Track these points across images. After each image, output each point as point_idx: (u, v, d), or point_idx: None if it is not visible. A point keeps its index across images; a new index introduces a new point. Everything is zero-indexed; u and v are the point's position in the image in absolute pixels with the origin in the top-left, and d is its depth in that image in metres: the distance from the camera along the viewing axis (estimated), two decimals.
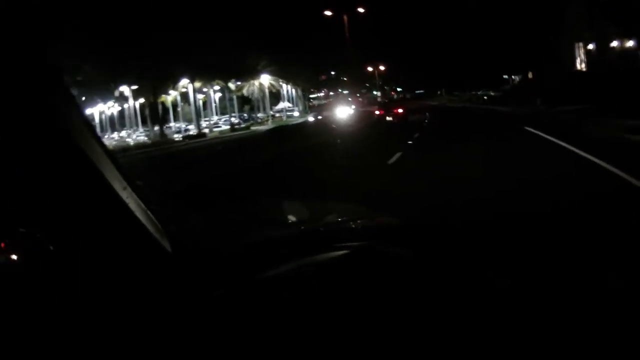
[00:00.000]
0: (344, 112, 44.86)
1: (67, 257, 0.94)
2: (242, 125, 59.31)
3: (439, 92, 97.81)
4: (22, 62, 0.89)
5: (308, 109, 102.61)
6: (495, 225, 1.46)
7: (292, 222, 2.00)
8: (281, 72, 69.65)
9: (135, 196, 1.01)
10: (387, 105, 35.92)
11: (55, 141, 0.91)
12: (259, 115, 74.47)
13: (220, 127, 61.01)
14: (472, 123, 26.15)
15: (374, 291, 0.99)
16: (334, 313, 0.93)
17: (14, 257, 0.91)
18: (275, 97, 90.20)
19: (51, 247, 0.93)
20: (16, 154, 0.89)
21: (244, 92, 64.60)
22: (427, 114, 38.13)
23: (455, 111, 43.16)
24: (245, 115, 70.57)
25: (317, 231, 1.60)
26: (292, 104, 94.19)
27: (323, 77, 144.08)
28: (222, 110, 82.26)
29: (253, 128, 55.80)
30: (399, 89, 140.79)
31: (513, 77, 73.68)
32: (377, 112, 33.54)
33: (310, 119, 47.81)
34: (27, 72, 0.89)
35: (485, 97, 61.57)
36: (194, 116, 59.24)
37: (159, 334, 0.95)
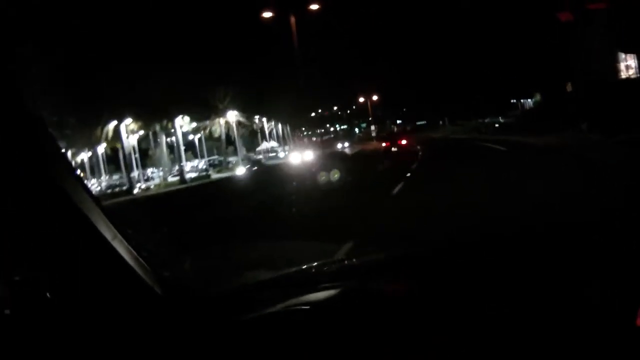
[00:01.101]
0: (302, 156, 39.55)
1: (62, 304, 0.98)
2: (203, 174, 49.35)
3: (441, 123, 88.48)
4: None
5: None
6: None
7: (283, 265, 2.09)
8: (255, 108, 60.91)
9: (126, 244, 1.06)
10: (390, 138, 39.96)
11: (47, 194, 0.94)
12: (230, 159, 65.49)
13: (154, 180, 51.85)
14: (495, 176, 12.89)
15: (361, 330, 1.00)
16: (324, 353, 0.95)
17: (9, 304, 0.95)
18: (262, 136, 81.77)
19: (47, 295, 0.97)
20: (10, 205, 0.93)
21: (206, 132, 55.22)
22: (418, 153, 30.08)
23: (460, 147, 32.64)
24: (216, 159, 61.20)
25: (307, 272, 1.58)
26: (281, 142, 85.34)
27: (325, 113, 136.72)
28: (209, 151, 73.82)
29: (216, 176, 46.47)
30: (398, 121, 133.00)
31: (522, 100, 66.74)
32: (383, 145, 37.59)
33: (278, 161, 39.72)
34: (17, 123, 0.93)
35: (496, 125, 51.49)
36: (135, 163, 49.93)
37: None
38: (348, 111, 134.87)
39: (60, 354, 0.96)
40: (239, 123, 55.57)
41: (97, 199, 1.06)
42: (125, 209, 19.85)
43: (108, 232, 1.02)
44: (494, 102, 62.91)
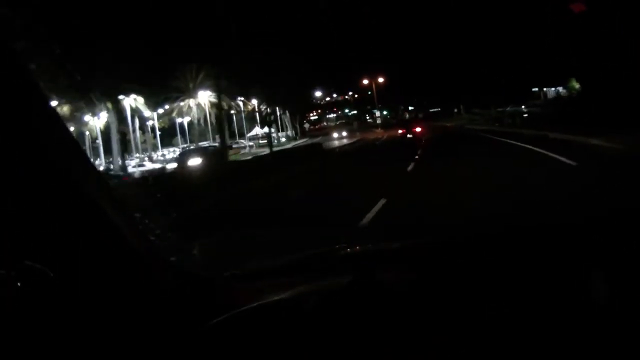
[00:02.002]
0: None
1: (70, 288, 0.98)
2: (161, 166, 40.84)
3: (456, 110, 79.86)
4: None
5: (299, 133, 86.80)
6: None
7: (292, 250, 1.92)
8: (241, 89, 53.00)
9: (135, 229, 1.07)
10: (405, 126, 43.36)
11: (52, 177, 0.94)
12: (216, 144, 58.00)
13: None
14: None
15: (370, 317, 1.02)
16: (333, 340, 0.96)
17: (19, 288, 0.95)
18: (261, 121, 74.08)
19: (55, 280, 0.96)
20: (12, 187, 0.92)
21: (173, 115, 47.29)
22: (418, 151, 22.69)
23: (482, 144, 23.98)
24: (191, 146, 53.34)
25: (315, 258, 1.59)
26: (280, 128, 77.57)
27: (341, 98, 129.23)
28: (201, 136, 66.50)
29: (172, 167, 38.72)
30: (410, 108, 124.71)
31: (545, 89, 63.63)
32: (399, 132, 41.18)
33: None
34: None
35: (524, 115, 41.89)
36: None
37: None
38: (355, 95, 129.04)
39: (66, 341, 0.96)
40: (216, 105, 47.56)
41: (105, 181, 1.06)
42: None
43: (117, 216, 1.01)
44: (514, 89, 56.91)
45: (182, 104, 46.44)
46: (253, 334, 1.04)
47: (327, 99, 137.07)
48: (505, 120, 38.74)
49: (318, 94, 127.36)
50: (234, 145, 60.01)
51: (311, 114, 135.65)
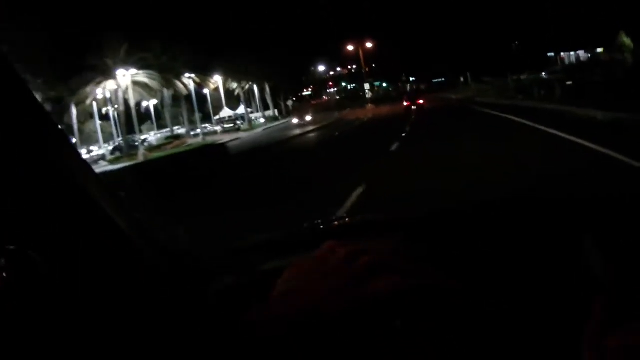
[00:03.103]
0: None
1: (54, 270, 0.91)
2: None
3: (462, 80, 68.74)
4: None
5: (283, 113, 76.26)
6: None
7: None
8: (192, 64, 42.74)
9: (118, 205, 1.03)
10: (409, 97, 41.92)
11: (40, 162, 0.90)
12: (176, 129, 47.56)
13: None
14: None
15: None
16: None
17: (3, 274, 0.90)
18: (237, 99, 63.55)
19: (39, 263, 0.90)
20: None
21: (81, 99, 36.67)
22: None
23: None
24: (136, 138, 42.83)
25: (311, 229, 1.62)
26: (260, 107, 67.04)
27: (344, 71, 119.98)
28: (174, 119, 56.66)
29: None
30: (411, 79, 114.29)
31: (563, 54, 58.06)
32: (404, 103, 39.88)
33: None
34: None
35: (567, 83, 27.43)
36: None
37: (157, 340, 0.96)
38: (352, 68, 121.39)
39: (58, 328, 0.92)
40: (145, 85, 37.01)
41: (88, 164, 1.01)
42: None
43: (98, 192, 0.97)
44: (527, 55, 52.22)
45: (96, 88, 35.71)
46: (243, 308, 0.93)
47: (332, 73, 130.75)
48: (535, 91, 27.24)
49: (321, 68, 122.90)
50: (192, 132, 49.96)
51: (305, 90, 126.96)
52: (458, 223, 1.36)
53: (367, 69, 58.78)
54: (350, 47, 58.64)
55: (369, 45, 59.39)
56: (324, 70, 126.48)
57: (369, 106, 55.86)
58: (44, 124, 0.92)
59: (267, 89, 69.59)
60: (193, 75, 43.59)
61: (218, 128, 54.51)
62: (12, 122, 0.85)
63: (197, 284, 1.13)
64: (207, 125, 58.13)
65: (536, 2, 38.63)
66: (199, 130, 51.26)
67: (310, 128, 35.16)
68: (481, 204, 1.64)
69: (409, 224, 1.47)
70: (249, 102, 68.31)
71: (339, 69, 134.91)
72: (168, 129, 54.32)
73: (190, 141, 41.90)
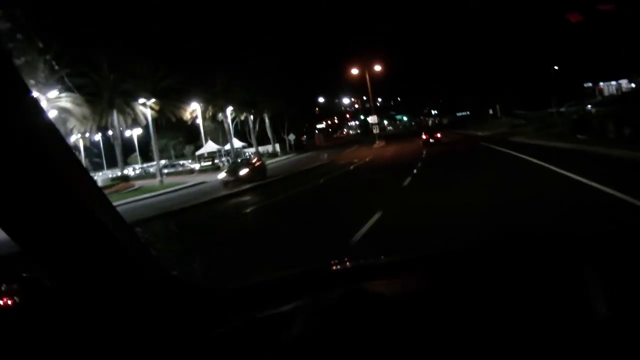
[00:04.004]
0: None
1: (69, 301, 1.00)
2: None
3: (491, 112, 59.07)
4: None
5: (287, 148, 67.62)
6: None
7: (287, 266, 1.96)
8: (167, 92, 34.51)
9: (135, 242, 1.08)
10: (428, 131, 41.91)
11: (53, 188, 0.93)
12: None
13: None
14: None
15: (361, 329, 1.02)
16: (327, 352, 0.97)
17: (16, 300, 0.99)
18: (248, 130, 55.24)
19: (54, 292, 1.00)
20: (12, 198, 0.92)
21: None
22: None
23: None
24: None
25: (312, 272, 1.60)
26: (254, 141, 58.28)
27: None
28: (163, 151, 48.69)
29: None
30: (433, 112, 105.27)
31: (602, 84, 53.41)
32: (423, 137, 38.63)
33: None
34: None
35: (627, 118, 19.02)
36: None
37: None
38: (365, 103, 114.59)
39: (66, 350, 0.99)
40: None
41: (105, 195, 1.06)
42: None
43: (118, 229, 1.02)
44: (562, 86, 46.18)
45: None
46: (250, 346, 1.05)
47: (356, 106, 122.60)
48: (610, 129, 16.84)
49: (346, 101, 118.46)
50: (152, 169, 41.27)
51: (321, 122, 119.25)
52: (461, 264, 1.33)
53: (371, 101, 49.33)
54: (355, 71, 49.51)
55: (377, 68, 50.07)
56: (349, 103, 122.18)
57: (377, 145, 46.61)
58: (61, 160, 0.93)
59: (267, 120, 61.04)
60: (150, 102, 34.82)
61: (197, 165, 45.80)
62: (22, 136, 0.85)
63: (202, 322, 1.14)
64: (184, 162, 49.71)
65: (572, 29, 33.80)
66: (165, 169, 42.47)
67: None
68: (483, 243, 1.62)
69: (411, 266, 1.45)
70: (243, 134, 59.82)
71: (368, 105, 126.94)
72: (153, 162, 46.71)
73: (142, 183, 33.03)
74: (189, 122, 47.70)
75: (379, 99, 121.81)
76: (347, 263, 1.78)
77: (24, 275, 0.98)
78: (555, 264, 1.17)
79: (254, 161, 26.95)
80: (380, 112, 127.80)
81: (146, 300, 1.07)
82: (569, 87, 47.80)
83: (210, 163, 44.30)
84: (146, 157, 58.88)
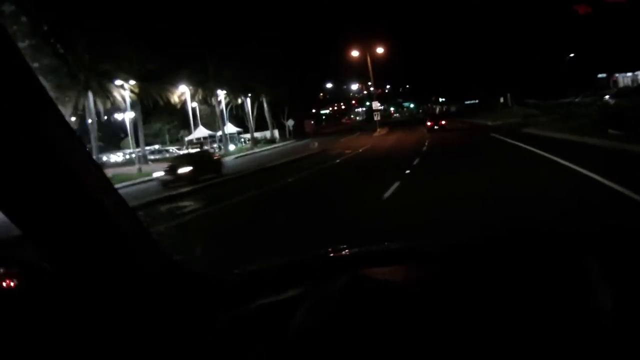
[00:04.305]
0: None
1: (71, 286, 1.00)
2: None
3: (502, 100, 55.81)
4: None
5: (286, 135, 64.69)
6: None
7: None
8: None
9: (137, 227, 1.07)
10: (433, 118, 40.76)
11: (56, 173, 0.92)
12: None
13: None
14: None
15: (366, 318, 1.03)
16: (330, 340, 0.98)
17: (15, 284, 1.00)
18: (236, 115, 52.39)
19: (55, 277, 1.00)
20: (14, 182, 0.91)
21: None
22: None
23: None
24: None
25: (315, 259, 1.61)
26: (251, 126, 55.39)
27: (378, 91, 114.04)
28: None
29: None
30: (441, 99, 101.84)
31: (617, 75, 51.69)
32: (428, 123, 38.75)
33: None
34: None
35: None
36: None
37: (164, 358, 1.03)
38: (385, 88, 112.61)
39: (67, 336, 0.99)
40: None
41: (109, 179, 1.05)
42: None
43: (119, 212, 1.01)
44: (574, 76, 45.34)
45: None
46: (252, 334, 1.05)
47: (365, 92, 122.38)
48: None
49: (354, 86, 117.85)
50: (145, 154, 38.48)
51: (327, 108, 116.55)
52: (469, 255, 1.33)
53: (374, 86, 45.90)
54: (356, 54, 46.18)
55: (379, 50, 46.75)
56: (357, 89, 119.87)
57: (377, 133, 43.80)
58: (65, 144, 0.93)
59: (265, 105, 58.12)
60: (128, 84, 31.89)
61: (185, 151, 43.09)
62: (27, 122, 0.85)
63: (206, 309, 1.14)
64: (172, 148, 47.00)
65: (585, 18, 31.87)
66: (152, 156, 39.63)
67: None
68: (488, 237, 1.61)
69: (420, 254, 1.44)
70: (240, 120, 56.95)
71: (372, 88, 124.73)
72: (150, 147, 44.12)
73: (123, 170, 30.32)
74: (178, 106, 44.81)
75: (388, 86, 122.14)
76: (349, 250, 1.69)
77: (24, 259, 0.98)
78: (557, 259, 1.16)
79: (206, 155, 23.35)
80: (388, 99, 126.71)
81: (147, 285, 1.05)
82: (582, 78, 45.62)
83: (198, 150, 41.57)
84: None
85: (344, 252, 1.66)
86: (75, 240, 0.95)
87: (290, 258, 1.56)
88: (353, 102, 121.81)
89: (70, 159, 0.92)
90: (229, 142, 49.39)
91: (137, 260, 1.04)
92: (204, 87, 42.82)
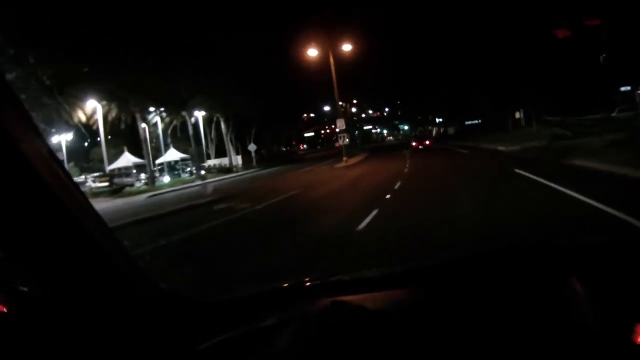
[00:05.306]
0: None
1: (59, 311, 1.00)
2: None
3: (518, 116, 44.78)
4: None
5: (253, 162, 54.00)
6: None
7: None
8: None
9: (123, 254, 1.08)
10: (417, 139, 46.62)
11: (40, 197, 0.93)
12: None
13: None
14: None
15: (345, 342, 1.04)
16: None
17: (3, 310, 0.98)
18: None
19: (44, 303, 1.00)
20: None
21: None
22: None
23: None
24: None
25: (301, 286, 1.61)
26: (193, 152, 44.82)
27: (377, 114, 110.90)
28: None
29: None
30: (438, 120, 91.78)
31: None
32: (413, 144, 44.39)
33: None
34: None
35: None
36: None
37: None
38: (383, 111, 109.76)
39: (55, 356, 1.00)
40: None
41: (93, 207, 1.04)
42: None
43: (105, 241, 1.02)
44: (594, 90, 38.47)
45: None
46: (240, 356, 1.06)
47: (363, 115, 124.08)
48: None
49: (353, 109, 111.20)
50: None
51: (313, 129, 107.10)
52: (449, 276, 1.32)
53: (336, 98, 34.39)
54: (314, 52, 35.32)
55: (346, 48, 35.74)
56: (355, 111, 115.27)
57: (344, 163, 31.89)
58: (48, 167, 0.93)
59: (223, 125, 47.63)
60: None
61: (95, 184, 32.22)
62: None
63: (191, 334, 1.14)
64: (89, 177, 36.22)
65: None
66: None
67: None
68: (467, 258, 1.57)
69: (401, 279, 1.44)
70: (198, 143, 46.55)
71: (370, 111, 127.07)
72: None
73: None
74: (94, 127, 34.10)
75: (387, 109, 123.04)
76: (331, 278, 1.68)
77: (11, 284, 0.97)
78: (543, 277, 1.16)
79: None
80: (385, 122, 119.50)
81: (135, 311, 1.06)
82: (604, 91, 39.13)
83: (106, 184, 30.70)
84: (84, 168, 45.75)
85: (324, 280, 1.62)
86: (61, 266, 0.95)
87: (273, 285, 1.53)
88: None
89: (53, 185, 0.91)
90: (165, 171, 38.85)
91: (124, 286, 1.04)
92: (121, 101, 32.01)
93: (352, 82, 54.50)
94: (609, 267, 1.16)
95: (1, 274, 0.96)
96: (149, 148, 35.23)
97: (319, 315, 1.12)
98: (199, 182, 34.36)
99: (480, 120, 63.39)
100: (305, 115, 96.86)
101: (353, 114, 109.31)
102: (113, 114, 33.10)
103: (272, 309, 1.25)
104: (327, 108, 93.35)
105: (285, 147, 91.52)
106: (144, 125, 36.39)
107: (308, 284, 1.57)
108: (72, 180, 0.99)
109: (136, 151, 43.87)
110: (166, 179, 37.42)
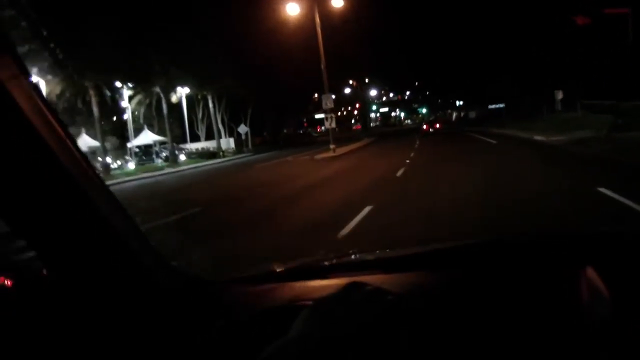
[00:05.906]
0: None
1: (67, 289, 0.99)
2: None
3: (559, 98, 37.98)
4: None
5: (248, 145, 47.91)
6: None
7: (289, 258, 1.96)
8: None
9: (135, 231, 1.07)
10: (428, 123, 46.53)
11: (54, 178, 0.92)
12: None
13: None
14: None
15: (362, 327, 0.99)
16: (328, 347, 0.95)
17: (10, 289, 1.00)
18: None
19: (51, 280, 0.99)
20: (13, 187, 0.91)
21: None
22: None
23: None
24: None
25: (312, 265, 1.61)
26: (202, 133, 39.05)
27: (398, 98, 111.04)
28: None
29: None
30: (459, 103, 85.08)
31: None
32: (423, 127, 44.69)
33: None
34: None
35: None
36: None
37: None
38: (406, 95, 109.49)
39: (63, 340, 0.98)
40: None
41: (105, 183, 1.02)
42: None
43: (116, 217, 1.01)
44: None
45: None
46: (252, 339, 1.05)
47: (384, 98, 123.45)
48: None
49: (373, 92, 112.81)
50: None
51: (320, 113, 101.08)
52: (458, 262, 1.32)
53: (325, 78, 28.07)
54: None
55: (336, 3, 29.38)
56: (376, 95, 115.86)
57: (331, 152, 24.92)
58: (61, 147, 0.91)
59: (211, 105, 41.72)
60: None
61: None
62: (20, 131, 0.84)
63: (203, 315, 1.14)
64: None
65: None
66: None
67: None
68: (477, 244, 1.56)
69: (408, 261, 1.43)
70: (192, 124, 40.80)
71: (391, 94, 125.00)
72: None
73: None
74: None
75: (407, 92, 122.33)
76: (342, 257, 1.66)
77: (19, 263, 0.97)
78: (552, 266, 1.15)
79: None
80: (405, 105, 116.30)
81: (145, 290, 1.06)
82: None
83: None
84: None
85: (342, 259, 1.61)
86: (70, 244, 0.94)
87: (287, 264, 1.52)
88: (357, 106, 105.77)
89: (64, 161, 0.90)
90: (132, 156, 33.12)
91: (135, 264, 1.03)
92: (63, 72, 25.93)
93: (375, 65, 49.25)
94: (628, 257, 1.12)
95: (9, 254, 0.95)
96: (98, 129, 29.16)
97: (336, 296, 1.03)
98: (170, 170, 28.61)
99: (504, 104, 56.45)
100: (316, 96, 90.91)
101: (368, 97, 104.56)
102: (59, 91, 27.12)
103: (287, 288, 1.22)
104: (347, 90, 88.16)
105: (299, 130, 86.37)
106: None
107: (320, 263, 1.54)
108: (82, 154, 0.94)
109: (120, 133, 38.43)
110: (131, 165, 31.64)
